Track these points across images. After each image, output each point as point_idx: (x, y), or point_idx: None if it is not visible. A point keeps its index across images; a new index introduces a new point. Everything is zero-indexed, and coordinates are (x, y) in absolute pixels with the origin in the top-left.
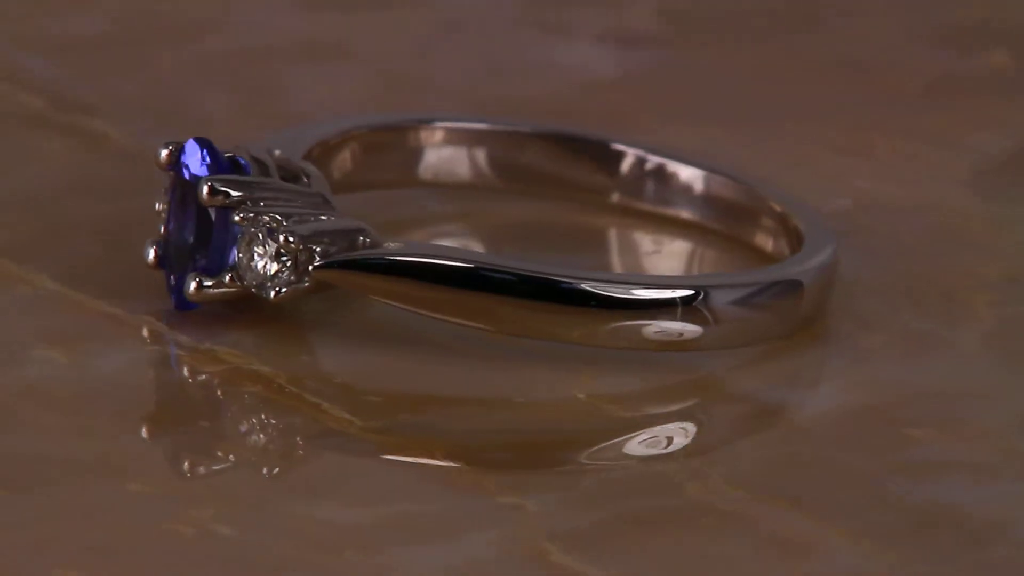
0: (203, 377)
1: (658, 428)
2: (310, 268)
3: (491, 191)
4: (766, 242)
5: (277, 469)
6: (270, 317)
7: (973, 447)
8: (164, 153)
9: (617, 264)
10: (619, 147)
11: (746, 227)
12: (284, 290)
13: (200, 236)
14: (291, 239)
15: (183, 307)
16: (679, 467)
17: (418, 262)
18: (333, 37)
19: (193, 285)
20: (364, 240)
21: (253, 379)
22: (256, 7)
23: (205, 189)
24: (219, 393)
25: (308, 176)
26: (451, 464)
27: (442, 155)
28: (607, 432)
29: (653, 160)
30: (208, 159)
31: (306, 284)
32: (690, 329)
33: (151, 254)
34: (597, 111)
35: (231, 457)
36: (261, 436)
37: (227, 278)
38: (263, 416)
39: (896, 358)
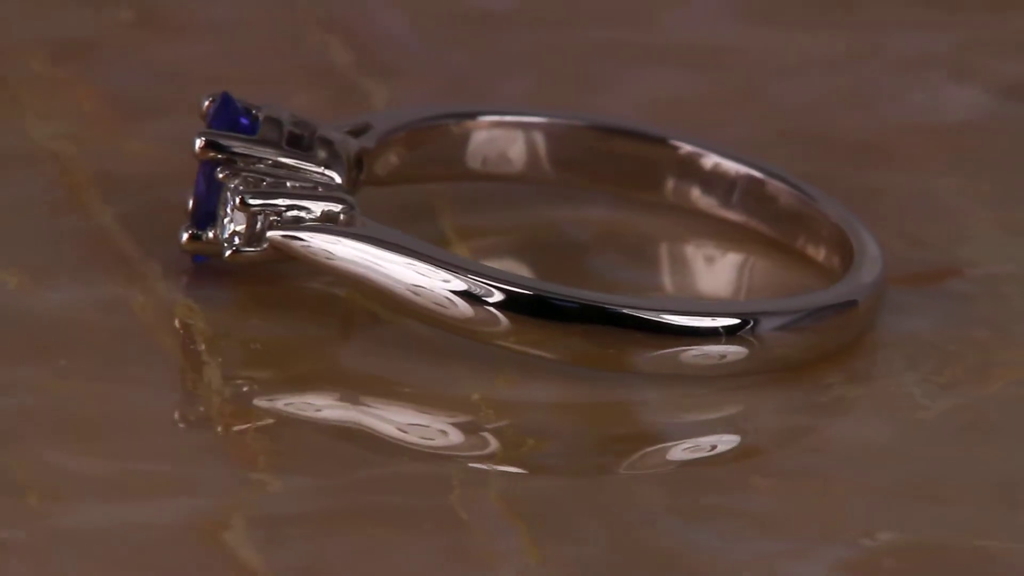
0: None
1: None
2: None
3: (542, 184)
4: (816, 251)
5: None
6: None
7: None
8: (205, 104)
9: (666, 279)
10: (675, 143)
11: (796, 233)
12: (239, 250)
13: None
14: (247, 202)
15: (197, 259)
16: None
17: (357, 246)
18: None
19: (185, 236)
20: (342, 217)
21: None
22: None
23: (198, 143)
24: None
25: (331, 143)
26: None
27: (492, 144)
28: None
29: (709, 158)
30: (224, 114)
31: (264, 248)
32: (734, 351)
33: (183, 238)
34: None
35: None
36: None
37: (211, 234)
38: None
39: None
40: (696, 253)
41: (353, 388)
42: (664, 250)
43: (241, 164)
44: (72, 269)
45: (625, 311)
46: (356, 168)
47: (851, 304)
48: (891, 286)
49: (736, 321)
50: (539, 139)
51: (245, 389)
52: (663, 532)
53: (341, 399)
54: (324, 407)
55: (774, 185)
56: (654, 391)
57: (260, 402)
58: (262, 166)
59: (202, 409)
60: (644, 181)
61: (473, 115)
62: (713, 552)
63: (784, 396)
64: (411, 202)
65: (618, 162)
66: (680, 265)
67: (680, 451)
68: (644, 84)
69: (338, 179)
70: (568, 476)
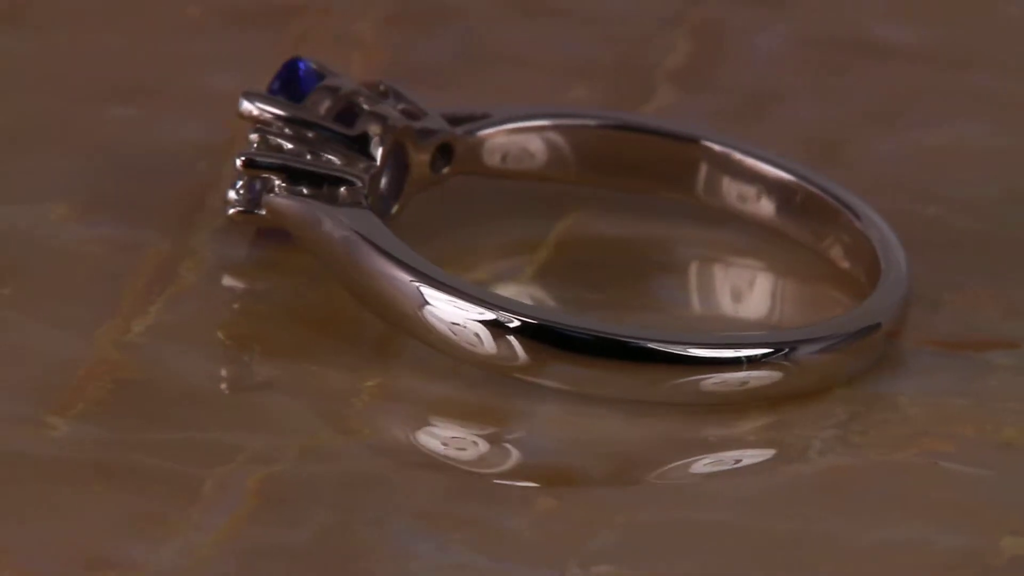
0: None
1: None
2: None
3: (565, 184)
4: (843, 260)
5: None
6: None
7: None
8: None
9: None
10: (706, 143)
11: (824, 238)
12: (237, 210)
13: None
14: (245, 162)
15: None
16: None
17: (338, 228)
18: None
19: (231, 194)
20: (343, 194)
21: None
22: None
23: (241, 104)
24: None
25: (384, 120)
26: None
27: (513, 142)
28: None
29: (736, 158)
30: (288, 78)
31: (262, 213)
32: (757, 376)
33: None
34: None
35: None
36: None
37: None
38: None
39: None
40: (719, 265)
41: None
42: (689, 261)
43: (275, 128)
44: (123, 209)
45: (650, 345)
46: (440, 156)
47: (873, 328)
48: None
49: (760, 351)
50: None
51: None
52: None
53: None
54: None
55: (805, 188)
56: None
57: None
58: (289, 132)
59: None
60: (670, 181)
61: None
62: None
63: (681, 429)
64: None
65: (643, 160)
66: (704, 278)
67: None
68: None
69: (367, 159)
70: None
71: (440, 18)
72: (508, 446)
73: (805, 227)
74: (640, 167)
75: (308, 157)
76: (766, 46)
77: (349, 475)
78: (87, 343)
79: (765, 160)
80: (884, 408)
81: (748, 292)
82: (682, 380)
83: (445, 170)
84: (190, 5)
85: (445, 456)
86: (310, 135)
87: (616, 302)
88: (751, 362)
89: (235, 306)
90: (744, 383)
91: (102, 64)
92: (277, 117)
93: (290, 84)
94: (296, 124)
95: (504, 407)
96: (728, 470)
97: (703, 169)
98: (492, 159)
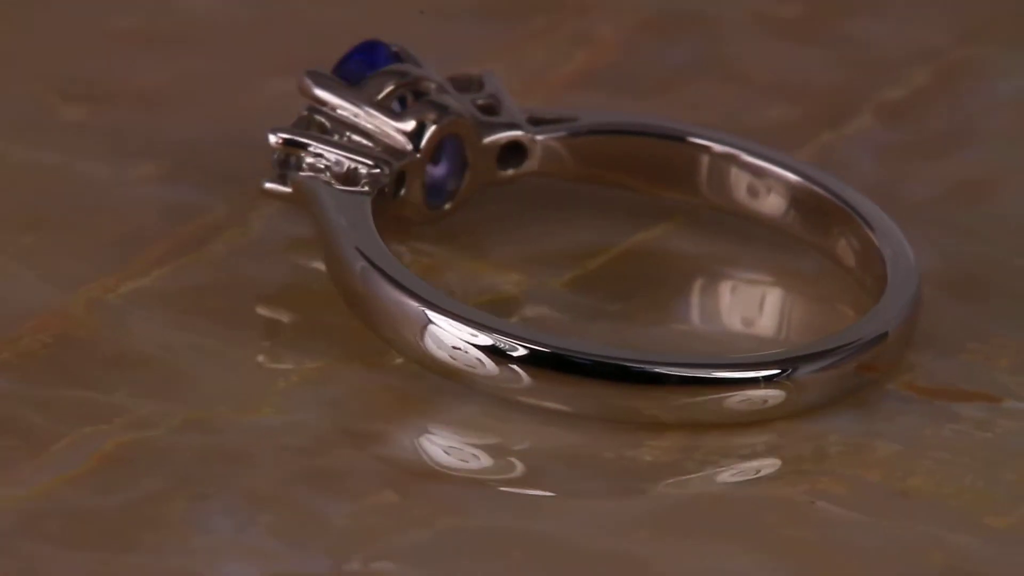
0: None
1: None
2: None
3: (565, 182)
4: (846, 254)
5: None
6: None
7: None
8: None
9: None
10: (705, 143)
11: (828, 236)
12: (268, 186)
13: None
14: (274, 137)
15: None
16: None
17: (328, 209)
18: None
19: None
20: (364, 178)
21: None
22: None
23: (302, 80)
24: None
25: (444, 110)
26: None
27: (591, 147)
28: None
29: (741, 158)
30: (358, 58)
31: (288, 190)
32: (768, 395)
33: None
34: None
35: None
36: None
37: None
38: None
39: None
40: (723, 276)
41: None
42: (724, 280)
43: (327, 108)
44: (211, 176)
45: (657, 370)
46: (509, 154)
47: (880, 338)
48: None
49: (766, 373)
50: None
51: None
52: None
53: None
54: None
55: (809, 188)
56: None
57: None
58: (340, 113)
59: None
60: (675, 182)
61: (680, 137)
62: None
63: (587, 443)
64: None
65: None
66: (708, 289)
67: None
68: None
69: (410, 145)
70: None
71: (689, 29)
72: (393, 440)
73: (810, 225)
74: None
75: (344, 139)
76: (1006, 91)
77: (212, 450)
78: (61, 298)
79: (767, 158)
80: (806, 443)
81: (758, 312)
82: (671, 401)
83: (511, 171)
84: None
85: (318, 443)
86: (359, 119)
87: (629, 314)
88: (745, 384)
89: (244, 283)
90: (742, 403)
91: (304, 38)
92: (332, 98)
93: (362, 63)
94: (347, 106)
95: (418, 406)
96: (592, 487)
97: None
98: (569, 163)
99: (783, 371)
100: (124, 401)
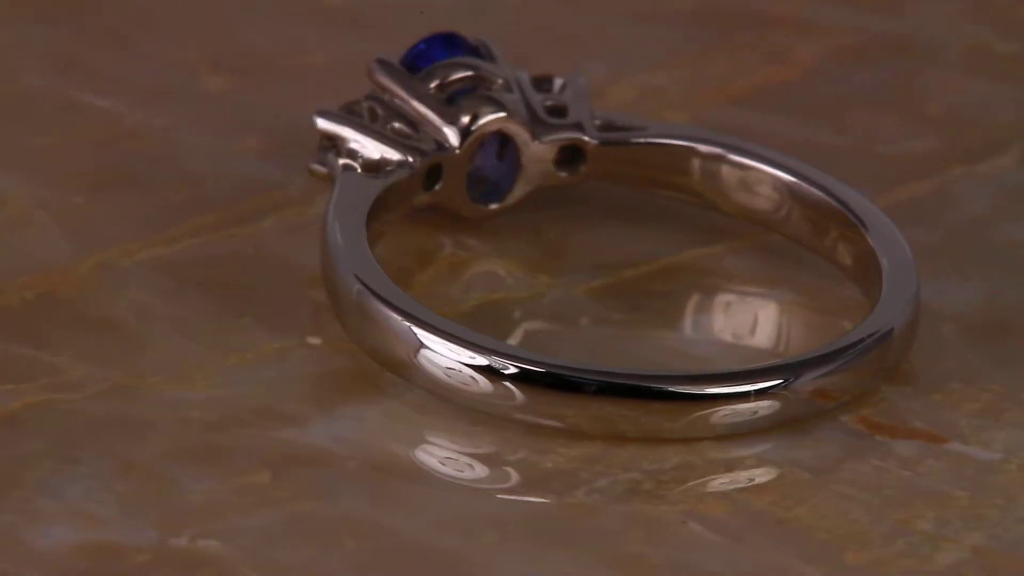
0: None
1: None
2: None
3: (640, 191)
4: (845, 259)
5: None
6: None
7: None
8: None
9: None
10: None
11: (823, 235)
12: (312, 167)
13: None
14: (316, 120)
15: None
16: None
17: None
18: None
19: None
20: (390, 164)
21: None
22: None
23: (371, 65)
24: None
25: (500, 106)
26: None
27: (653, 156)
28: None
29: (734, 160)
30: (432, 48)
31: (326, 172)
32: (765, 406)
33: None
34: None
35: None
36: None
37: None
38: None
39: None
40: (718, 288)
41: None
42: (691, 302)
43: (386, 95)
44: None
45: (654, 386)
46: (569, 157)
47: (886, 337)
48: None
49: (763, 385)
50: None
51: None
52: None
53: None
54: None
55: (803, 188)
56: None
57: None
58: (395, 101)
59: None
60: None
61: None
62: None
63: (494, 442)
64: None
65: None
66: (704, 302)
67: None
68: None
69: (456, 139)
70: None
71: (887, 57)
72: (302, 425)
73: (804, 223)
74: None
75: (388, 127)
76: None
77: (117, 418)
78: (73, 258)
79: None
80: (719, 463)
81: (753, 328)
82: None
83: (564, 173)
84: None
85: (224, 419)
86: (407, 108)
87: (631, 325)
88: (732, 398)
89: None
90: (735, 416)
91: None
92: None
93: (434, 53)
94: (402, 95)
95: (354, 394)
96: (464, 486)
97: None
98: (624, 170)
99: (785, 380)
100: (63, 363)
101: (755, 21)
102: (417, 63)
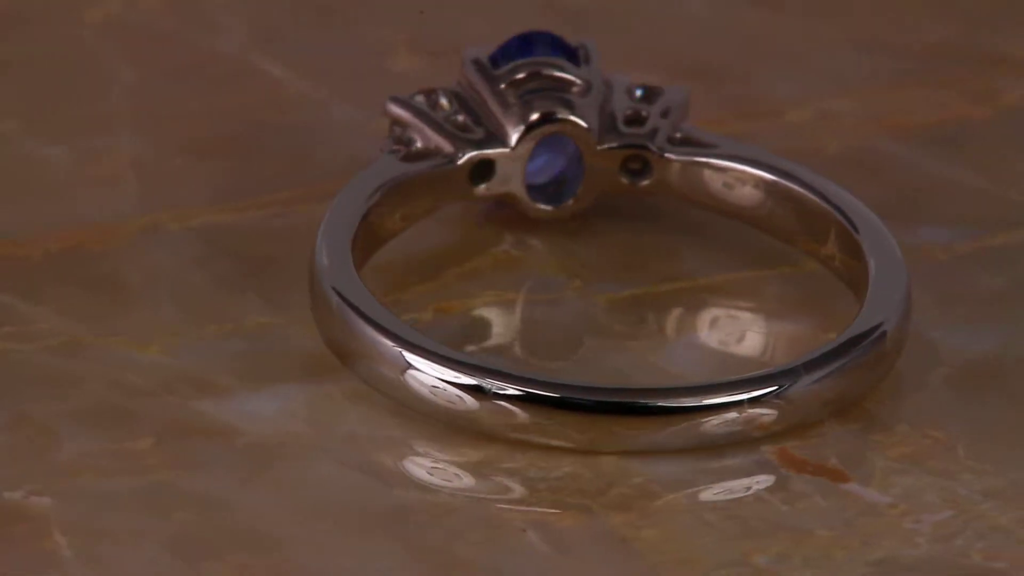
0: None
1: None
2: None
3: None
4: (830, 257)
5: None
6: None
7: None
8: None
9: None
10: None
11: (804, 229)
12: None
13: None
14: (386, 105)
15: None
16: None
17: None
18: None
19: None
20: (435, 156)
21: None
22: None
23: (463, 55)
24: None
25: (570, 106)
26: None
27: (712, 176)
28: None
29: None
30: (527, 44)
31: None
32: (761, 413)
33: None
34: None
35: None
36: None
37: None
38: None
39: None
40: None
41: None
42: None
43: (466, 86)
44: None
45: (643, 402)
46: (634, 167)
47: (879, 339)
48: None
49: (756, 393)
50: None
51: None
52: None
53: None
54: None
55: (785, 187)
56: None
57: None
58: (470, 94)
59: None
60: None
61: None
62: None
63: (406, 436)
64: None
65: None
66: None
67: None
68: None
69: (514, 137)
70: None
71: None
72: (222, 398)
73: (787, 217)
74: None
75: (448, 119)
76: None
77: (49, 371)
78: (126, 215)
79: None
80: (604, 476)
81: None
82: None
83: (625, 180)
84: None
85: (148, 383)
86: (475, 101)
87: (628, 337)
88: (716, 409)
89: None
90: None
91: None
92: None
93: (523, 50)
94: (478, 88)
95: (298, 372)
96: (331, 475)
97: None
98: (691, 186)
99: (780, 386)
100: (38, 315)
101: (981, 59)
102: (505, 58)
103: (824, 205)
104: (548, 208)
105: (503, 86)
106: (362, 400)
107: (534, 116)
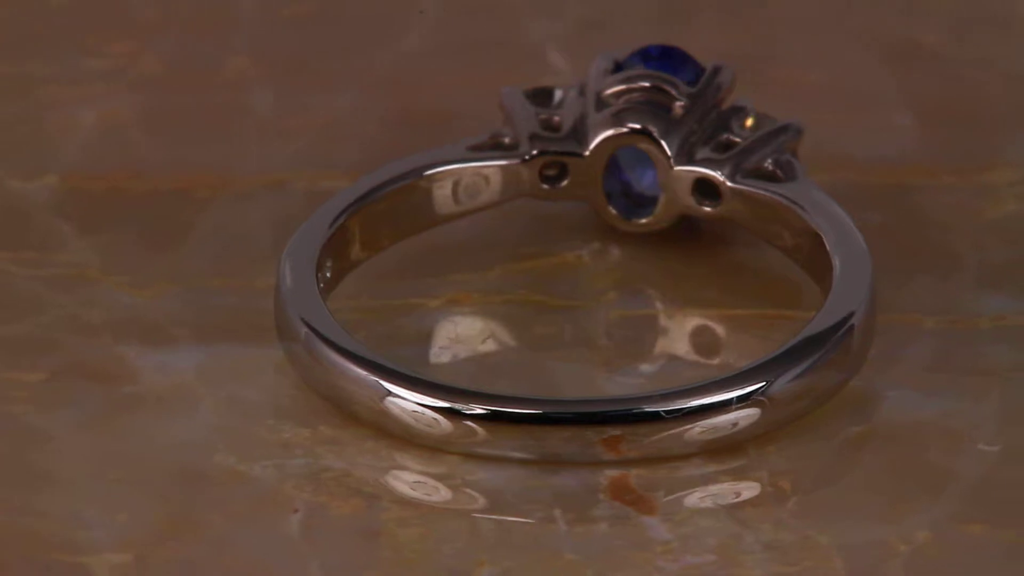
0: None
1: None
2: None
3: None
4: (795, 250)
5: None
6: None
7: None
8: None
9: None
10: None
11: (769, 227)
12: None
13: None
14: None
15: None
16: None
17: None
18: None
19: None
20: (509, 148)
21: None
22: None
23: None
24: None
25: (646, 137)
26: None
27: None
28: None
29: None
30: (658, 58)
31: None
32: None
33: None
34: None
35: None
36: None
37: None
38: None
39: None
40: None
41: None
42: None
43: (582, 88)
44: None
45: (613, 410)
46: (706, 192)
47: (847, 332)
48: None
49: (724, 397)
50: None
51: None
52: None
53: None
54: None
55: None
56: None
57: None
58: (579, 95)
59: None
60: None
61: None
62: None
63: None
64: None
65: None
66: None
67: None
68: None
69: (591, 144)
70: None
71: None
72: (172, 352)
73: (749, 217)
74: None
75: (545, 116)
76: None
77: (31, 296)
78: (231, 169)
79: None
80: (451, 479)
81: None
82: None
83: (692, 202)
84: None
85: (92, 335)
86: (579, 101)
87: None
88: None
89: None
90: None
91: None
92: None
93: (648, 60)
94: (589, 87)
95: (239, 338)
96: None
97: None
98: (748, 217)
99: (762, 384)
100: (63, 243)
101: None
102: (629, 65)
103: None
104: (632, 220)
105: (608, 92)
106: (284, 370)
107: (610, 129)
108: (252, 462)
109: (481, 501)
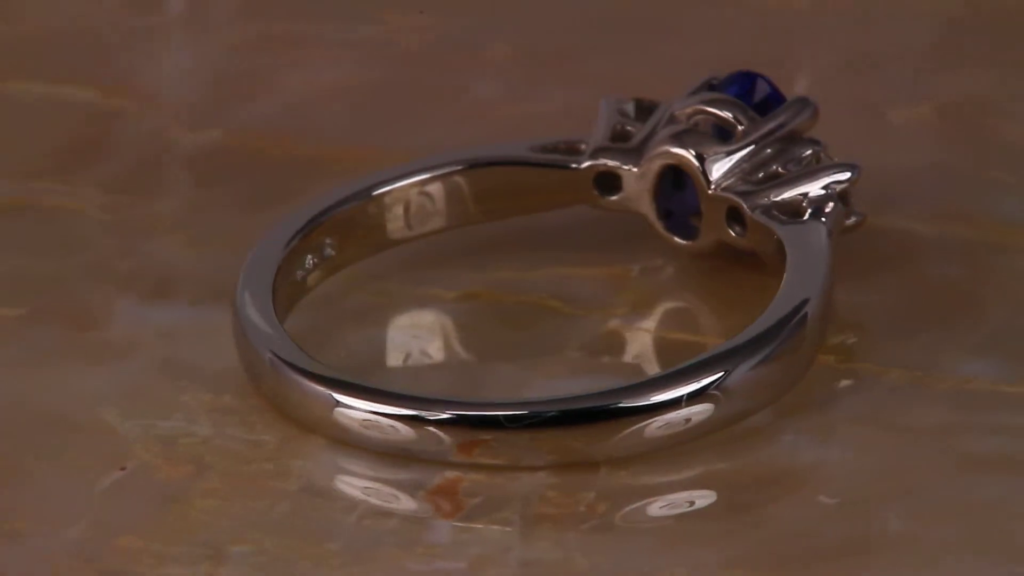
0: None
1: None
2: None
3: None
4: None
5: None
6: None
7: None
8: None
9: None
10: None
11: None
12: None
13: None
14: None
15: None
16: None
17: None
18: None
19: None
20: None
21: None
22: None
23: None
24: None
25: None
26: None
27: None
28: None
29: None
30: (734, 81)
31: None
32: (698, 411)
33: None
34: None
35: None
36: None
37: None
38: None
39: None
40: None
41: None
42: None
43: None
44: None
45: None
46: (737, 221)
47: (800, 322)
48: None
49: (690, 389)
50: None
51: None
52: None
53: None
54: None
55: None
56: None
57: None
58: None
59: None
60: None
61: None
62: None
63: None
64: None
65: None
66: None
67: None
68: None
69: (644, 159)
70: None
71: None
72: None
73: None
74: None
75: (620, 127)
76: None
77: (57, 229)
78: (339, 140)
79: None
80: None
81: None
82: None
83: (731, 231)
84: None
85: (77, 258)
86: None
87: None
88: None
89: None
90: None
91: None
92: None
93: (730, 85)
94: (672, 103)
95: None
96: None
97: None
98: (759, 250)
99: (719, 375)
100: (75, 177)
101: None
102: (719, 87)
103: None
104: (679, 239)
105: (679, 111)
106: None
107: (661, 147)
108: (128, 418)
109: (299, 482)
